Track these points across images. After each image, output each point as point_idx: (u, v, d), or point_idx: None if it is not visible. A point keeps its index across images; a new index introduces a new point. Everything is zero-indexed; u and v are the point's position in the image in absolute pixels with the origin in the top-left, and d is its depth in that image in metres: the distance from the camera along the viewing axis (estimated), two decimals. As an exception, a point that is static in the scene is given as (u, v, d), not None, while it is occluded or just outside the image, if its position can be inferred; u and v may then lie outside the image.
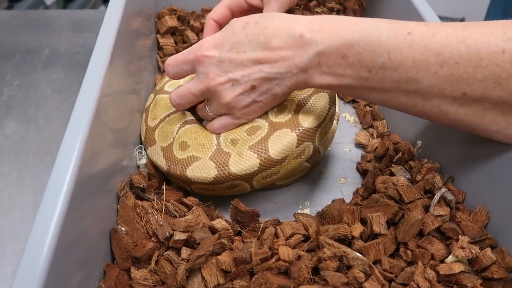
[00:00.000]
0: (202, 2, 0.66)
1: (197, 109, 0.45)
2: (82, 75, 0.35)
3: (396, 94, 0.34)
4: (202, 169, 0.40)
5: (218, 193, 0.44)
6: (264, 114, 0.42)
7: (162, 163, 0.43)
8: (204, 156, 0.41)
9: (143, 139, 0.47)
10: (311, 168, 0.49)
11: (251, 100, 0.39)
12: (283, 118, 0.41)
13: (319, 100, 0.41)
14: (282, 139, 0.39)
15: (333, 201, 0.46)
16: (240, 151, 0.40)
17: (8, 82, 0.60)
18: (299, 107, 0.41)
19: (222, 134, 0.42)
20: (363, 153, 0.53)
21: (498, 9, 0.73)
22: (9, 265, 0.40)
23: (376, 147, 0.52)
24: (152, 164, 0.44)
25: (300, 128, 0.40)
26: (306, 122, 0.40)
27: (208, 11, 0.66)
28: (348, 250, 0.33)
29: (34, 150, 0.51)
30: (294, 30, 0.35)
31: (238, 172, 0.39)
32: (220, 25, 0.50)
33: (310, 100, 0.42)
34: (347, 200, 0.46)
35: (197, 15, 0.65)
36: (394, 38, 0.32)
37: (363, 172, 0.50)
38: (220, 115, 0.42)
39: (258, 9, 0.50)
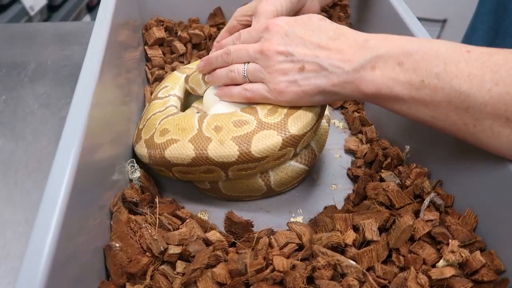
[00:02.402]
0: (189, 12, 0.66)
1: (212, 75, 0.46)
2: (70, 89, 0.35)
3: (447, 110, 0.33)
4: (180, 150, 0.41)
5: (197, 178, 0.45)
6: (254, 112, 0.42)
7: (144, 152, 0.44)
8: (183, 138, 0.41)
9: (133, 141, 0.47)
10: (309, 172, 0.49)
11: (293, 80, 0.39)
12: (273, 120, 0.41)
13: (310, 110, 0.42)
14: (267, 139, 0.40)
15: (325, 208, 0.46)
16: (222, 139, 0.40)
17: (-6, 98, 0.59)
18: (290, 113, 0.41)
19: (205, 120, 0.42)
20: (353, 159, 0.54)
21: (487, 9, 0.74)
22: (1, 285, 0.40)
23: (366, 153, 0.52)
24: (145, 176, 0.44)
25: (287, 133, 0.40)
26: (294, 128, 0.40)
27: (195, 21, 0.66)
28: (342, 258, 0.34)
29: (22, 167, 0.51)
30: (362, 36, 0.37)
31: (215, 158, 0.40)
32: None
33: (302, 108, 0.42)
34: (339, 207, 0.46)
35: (184, 26, 0.65)
36: (452, 52, 0.33)
37: (353, 178, 0.51)
38: (252, 82, 0.42)
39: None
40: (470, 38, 0.79)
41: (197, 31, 0.63)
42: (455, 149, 0.41)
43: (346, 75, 0.37)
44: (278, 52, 0.39)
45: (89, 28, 0.42)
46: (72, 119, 0.34)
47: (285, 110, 0.42)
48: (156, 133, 0.44)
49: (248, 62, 0.42)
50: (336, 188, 0.50)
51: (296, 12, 0.50)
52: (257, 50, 0.40)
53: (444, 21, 1.75)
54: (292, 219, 0.47)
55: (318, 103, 0.41)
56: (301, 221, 0.46)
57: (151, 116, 0.48)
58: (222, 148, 0.40)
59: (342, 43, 0.37)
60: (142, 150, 0.44)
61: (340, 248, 0.37)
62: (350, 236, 0.36)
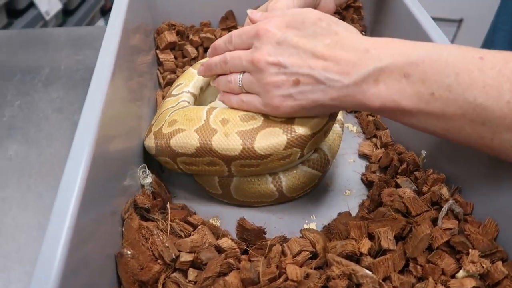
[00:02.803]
0: (201, 16, 0.66)
1: (216, 81, 0.45)
2: (83, 93, 0.35)
3: (461, 123, 0.31)
4: (185, 139, 0.41)
5: (201, 170, 0.44)
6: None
7: (151, 144, 0.44)
8: (189, 128, 0.41)
9: (144, 137, 0.48)
10: (322, 177, 0.48)
11: (288, 94, 0.36)
12: (279, 118, 0.40)
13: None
14: (271, 137, 0.39)
15: (339, 214, 0.46)
16: (227, 132, 0.40)
17: (9, 103, 0.60)
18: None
19: (214, 111, 0.42)
20: (367, 163, 0.52)
21: (509, 9, 0.72)
22: (15, 290, 0.40)
23: (380, 158, 0.51)
24: (157, 182, 0.44)
25: (293, 133, 0.39)
26: (301, 128, 0.39)
27: (206, 25, 0.66)
28: (357, 267, 0.33)
29: (36, 172, 0.51)
30: (361, 43, 0.34)
31: (218, 150, 0.40)
32: None
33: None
34: (353, 213, 0.45)
35: (196, 29, 0.65)
36: (463, 60, 0.30)
37: (368, 184, 0.50)
38: (248, 93, 0.41)
39: None
40: (492, 38, 0.77)
41: (208, 35, 0.63)
42: (473, 155, 0.40)
43: (346, 89, 0.34)
44: (269, 63, 0.36)
45: (102, 32, 0.42)
46: (83, 123, 0.34)
47: None
48: (165, 124, 0.44)
49: (244, 72, 0.40)
50: (350, 194, 0.49)
51: None
52: (249, 60, 0.38)
53: (460, 21, 1.72)
54: (305, 226, 0.46)
55: (318, 115, 0.39)
56: (315, 228, 0.46)
57: (162, 112, 0.48)
58: (226, 140, 0.40)
59: (339, 52, 0.34)
60: (150, 141, 0.45)
61: (354, 257, 0.36)
62: (365, 245, 0.35)
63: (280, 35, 0.36)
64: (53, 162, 0.52)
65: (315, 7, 0.50)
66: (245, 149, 0.39)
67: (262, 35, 0.37)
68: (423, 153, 0.46)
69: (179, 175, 0.51)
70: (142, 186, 0.44)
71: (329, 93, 0.35)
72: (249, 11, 0.42)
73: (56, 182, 0.49)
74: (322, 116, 0.40)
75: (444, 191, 0.39)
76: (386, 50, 0.33)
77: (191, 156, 0.42)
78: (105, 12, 1.92)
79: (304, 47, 0.35)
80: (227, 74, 0.43)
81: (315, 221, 0.46)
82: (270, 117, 0.40)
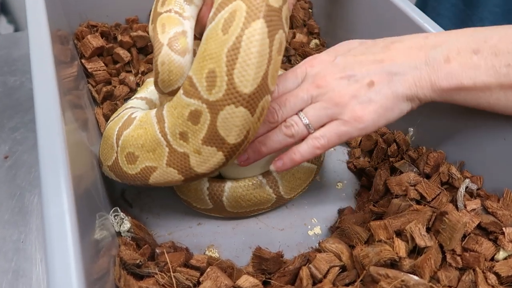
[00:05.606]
0: (124, 12, 0.56)
1: (259, 145, 0.36)
2: None
3: None
4: (166, 178, 0.36)
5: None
6: (195, 91, 0.32)
7: (118, 179, 0.38)
8: (159, 164, 0.35)
9: (98, 161, 0.41)
10: (317, 171, 0.44)
11: (367, 99, 0.33)
12: (218, 92, 0.31)
13: (253, 41, 0.30)
14: (231, 120, 0.32)
15: (341, 212, 0.43)
16: (196, 148, 0.34)
17: None
18: (231, 66, 0.30)
19: (168, 130, 0.34)
20: (349, 149, 0.50)
21: None
22: None
23: (361, 141, 0.49)
24: (137, 225, 0.36)
25: (244, 97, 0.31)
26: (247, 85, 0.31)
27: (134, 21, 0.56)
28: (407, 277, 0.30)
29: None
30: (417, 36, 0.35)
31: (205, 171, 0.35)
32: None
33: (241, 48, 0.30)
34: (350, 204, 0.43)
35: (124, 28, 0.54)
36: None
37: (357, 172, 0.47)
38: (320, 127, 0.35)
39: None
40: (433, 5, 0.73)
41: (140, 33, 0.54)
42: (464, 126, 0.40)
43: (420, 72, 0.33)
44: (336, 78, 0.34)
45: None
46: (49, 177, 0.25)
47: (224, 67, 0.31)
48: (121, 158, 0.37)
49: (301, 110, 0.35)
50: (342, 186, 0.46)
51: None
52: (312, 87, 0.35)
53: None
54: (309, 232, 0.42)
55: (401, 114, 0.35)
56: (320, 232, 0.42)
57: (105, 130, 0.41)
58: (203, 158, 0.34)
59: (399, 48, 0.34)
60: (113, 176, 0.39)
61: (389, 261, 0.33)
62: (401, 247, 0.32)
63: (333, 58, 0.36)
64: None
65: None
66: (225, 152, 0.33)
67: (315, 65, 0.36)
68: (411, 130, 0.44)
69: (150, 207, 0.43)
70: (118, 234, 0.36)
71: (406, 80, 0.33)
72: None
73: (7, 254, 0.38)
74: (260, 47, 0.31)
75: (454, 170, 0.37)
76: (446, 34, 0.34)
77: (181, 184, 0.36)
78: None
79: (365, 58, 0.34)
80: (275, 127, 0.36)
81: (318, 224, 0.43)
82: (210, 99, 0.31)
